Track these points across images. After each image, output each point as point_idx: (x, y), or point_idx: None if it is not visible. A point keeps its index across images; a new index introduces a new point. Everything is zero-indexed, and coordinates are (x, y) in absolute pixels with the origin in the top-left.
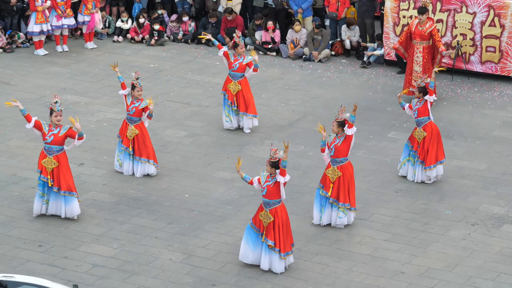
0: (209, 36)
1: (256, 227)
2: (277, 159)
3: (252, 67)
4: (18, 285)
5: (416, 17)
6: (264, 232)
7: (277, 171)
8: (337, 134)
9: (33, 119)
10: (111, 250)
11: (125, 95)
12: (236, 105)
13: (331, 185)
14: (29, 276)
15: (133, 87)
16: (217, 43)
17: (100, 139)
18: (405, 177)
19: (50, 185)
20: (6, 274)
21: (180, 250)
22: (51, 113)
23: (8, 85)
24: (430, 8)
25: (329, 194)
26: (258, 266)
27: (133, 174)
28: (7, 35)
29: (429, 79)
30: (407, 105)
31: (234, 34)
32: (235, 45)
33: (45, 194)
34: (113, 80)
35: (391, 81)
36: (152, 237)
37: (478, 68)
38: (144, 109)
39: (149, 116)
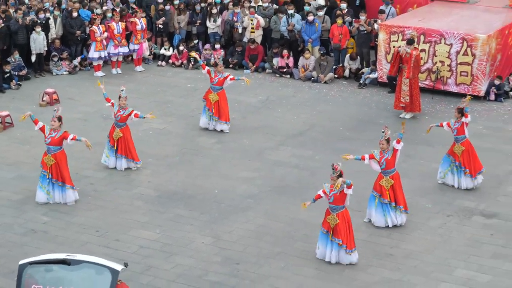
0: (196, 56)
1: (325, 229)
2: (339, 172)
3: (230, 77)
4: (79, 263)
5: (404, 46)
6: (332, 233)
7: (345, 185)
8: (384, 150)
9: (40, 124)
10: (154, 234)
11: (112, 104)
12: (212, 111)
13: (387, 192)
14: (88, 255)
15: (119, 97)
16: (201, 62)
17: (146, 145)
18: (447, 185)
19: (48, 177)
20: (69, 254)
21: (211, 235)
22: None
23: (72, 100)
24: (416, 40)
25: (389, 200)
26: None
27: (115, 167)
28: (80, 58)
29: (464, 104)
30: (445, 122)
31: (215, 57)
32: (216, 64)
33: (45, 186)
34: (157, 97)
35: (383, 99)
36: (188, 225)
37: (453, 89)
38: (130, 114)
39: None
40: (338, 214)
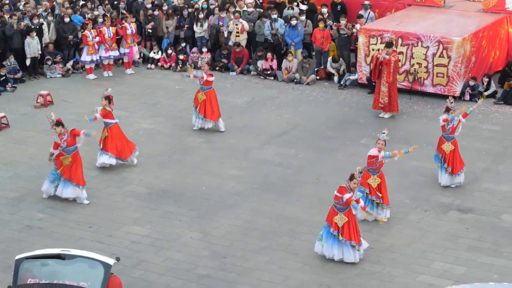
0: (191, 69)
1: (335, 230)
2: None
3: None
4: (73, 257)
5: (383, 49)
6: (341, 232)
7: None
8: (381, 151)
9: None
10: (145, 230)
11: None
12: (198, 110)
13: (376, 191)
14: (82, 250)
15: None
16: (196, 74)
17: (137, 144)
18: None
19: (58, 174)
20: (64, 249)
21: (199, 230)
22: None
23: (66, 102)
24: (394, 42)
25: (378, 196)
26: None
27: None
28: (73, 62)
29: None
30: (442, 118)
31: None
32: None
33: (55, 180)
34: (147, 98)
35: (363, 100)
36: (177, 220)
37: (430, 89)
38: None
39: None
40: (345, 213)
